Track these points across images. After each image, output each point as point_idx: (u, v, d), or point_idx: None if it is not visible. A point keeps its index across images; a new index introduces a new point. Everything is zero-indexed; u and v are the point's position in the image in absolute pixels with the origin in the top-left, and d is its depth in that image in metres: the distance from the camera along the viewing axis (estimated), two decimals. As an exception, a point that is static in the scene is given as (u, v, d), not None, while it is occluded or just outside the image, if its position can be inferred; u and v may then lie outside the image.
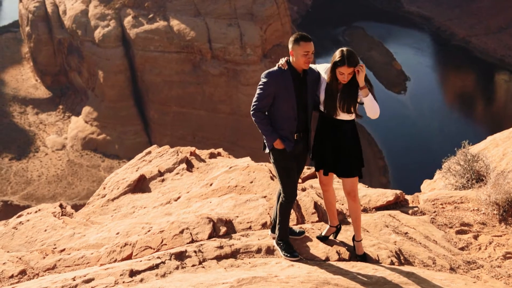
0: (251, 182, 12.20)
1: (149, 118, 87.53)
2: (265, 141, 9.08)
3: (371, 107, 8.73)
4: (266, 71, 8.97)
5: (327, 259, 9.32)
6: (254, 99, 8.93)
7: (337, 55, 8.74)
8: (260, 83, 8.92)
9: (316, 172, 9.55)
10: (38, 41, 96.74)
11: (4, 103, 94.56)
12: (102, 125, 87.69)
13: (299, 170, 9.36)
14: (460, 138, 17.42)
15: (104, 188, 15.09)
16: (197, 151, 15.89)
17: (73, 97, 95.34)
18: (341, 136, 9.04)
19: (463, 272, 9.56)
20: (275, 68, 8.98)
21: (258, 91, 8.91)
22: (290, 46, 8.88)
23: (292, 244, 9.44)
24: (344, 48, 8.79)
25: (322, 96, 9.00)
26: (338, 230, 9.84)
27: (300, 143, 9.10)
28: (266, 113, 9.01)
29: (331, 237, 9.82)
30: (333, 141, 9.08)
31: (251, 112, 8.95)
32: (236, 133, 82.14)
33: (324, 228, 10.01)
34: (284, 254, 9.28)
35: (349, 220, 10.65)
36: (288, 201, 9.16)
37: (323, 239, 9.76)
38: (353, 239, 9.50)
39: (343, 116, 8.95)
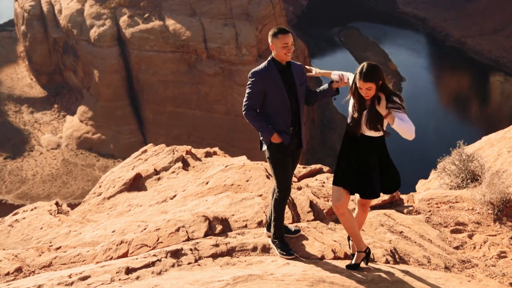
0: (247, 181, 12.22)
1: (144, 118, 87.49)
2: (261, 138, 9.11)
3: (402, 132, 8.21)
4: (252, 70, 9.02)
5: (323, 257, 9.34)
6: (245, 99, 8.98)
7: (358, 68, 8.38)
8: (248, 82, 8.98)
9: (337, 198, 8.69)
10: (34, 40, 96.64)
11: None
12: (97, 125, 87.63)
13: (293, 165, 9.38)
14: (454, 138, 17.46)
15: (100, 186, 15.09)
16: (193, 150, 15.89)
17: (68, 96, 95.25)
18: (367, 154, 8.59)
19: (458, 271, 9.60)
20: (261, 66, 9.05)
21: (247, 90, 8.98)
22: (269, 40, 8.96)
23: (287, 243, 9.45)
24: (367, 62, 8.37)
25: (350, 111, 8.62)
26: (368, 255, 9.07)
27: (295, 137, 9.13)
28: (258, 110, 9.07)
29: (362, 264, 9.06)
30: (359, 159, 8.61)
31: (244, 112, 8.98)
32: (231, 133, 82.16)
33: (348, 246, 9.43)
34: (279, 252, 9.29)
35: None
36: (282, 196, 9.16)
37: (354, 267, 8.95)
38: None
39: (369, 133, 8.51)
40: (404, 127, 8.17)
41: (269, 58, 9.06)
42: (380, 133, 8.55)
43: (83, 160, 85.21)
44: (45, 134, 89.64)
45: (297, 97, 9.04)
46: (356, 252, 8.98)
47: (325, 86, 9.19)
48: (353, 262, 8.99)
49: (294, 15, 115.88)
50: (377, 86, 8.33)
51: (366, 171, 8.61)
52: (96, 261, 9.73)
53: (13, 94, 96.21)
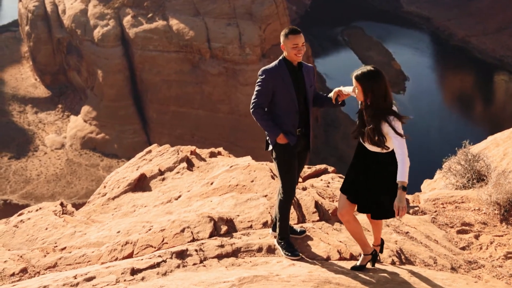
0: (252, 181, 12.18)
1: (148, 118, 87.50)
2: (267, 138, 9.07)
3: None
4: (263, 68, 8.99)
5: (328, 258, 9.31)
6: (253, 97, 8.93)
7: None
8: (258, 80, 8.93)
9: (341, 203, 8.59)
10: (38, 40, 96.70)
11: (4, 102, 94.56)
12: (101, 124, 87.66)
13: (299, 167, 9.33)
14: (459, 138, 17.39)
15: (105, 186, 15.07)
16: (198, 150, 15.86)
17: (72, 96, 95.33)
18: (373, 169, 8.22)
19: (464, 272, 9.56)
20: (272, 64, 9.01)
21: (256, 88, 8.93)
22: (281, 40, 8.94)
23: (293, 243, 9.42)
24: (372, 65, 8.12)
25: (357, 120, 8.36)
26: (375, 257, 8.95)
27: (302, 139, 9.08)
28: (266, 110, 9.02)
29: (368, 265, 8.96)
30: (365, 172, 8.33)
31: (251, 110, 8.93)
32: (235, 133, 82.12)
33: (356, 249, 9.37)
34: (285, 253, 9.26)
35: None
36: (287, 198, 9.12)
37: (360, 269, 8.86)
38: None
39: (373, 148, 8.17)
40: (407, 170, 7.84)
41: (280, 57, 9.02)
42: (385, 150, 8.14)
43: (87, 160, 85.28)
44: (49, 134, 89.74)
45: (306, 98, 8.98)
46: (362, 255, 8.90)
47: (331, 94, 9.11)
48: (358, 264, 8.92)
49: (297, 14, 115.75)
50: (365, 94, 8.04)
51: (371, 186, 8.30)
52: (101, 262, 9.71)
53: (17, 94, 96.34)
